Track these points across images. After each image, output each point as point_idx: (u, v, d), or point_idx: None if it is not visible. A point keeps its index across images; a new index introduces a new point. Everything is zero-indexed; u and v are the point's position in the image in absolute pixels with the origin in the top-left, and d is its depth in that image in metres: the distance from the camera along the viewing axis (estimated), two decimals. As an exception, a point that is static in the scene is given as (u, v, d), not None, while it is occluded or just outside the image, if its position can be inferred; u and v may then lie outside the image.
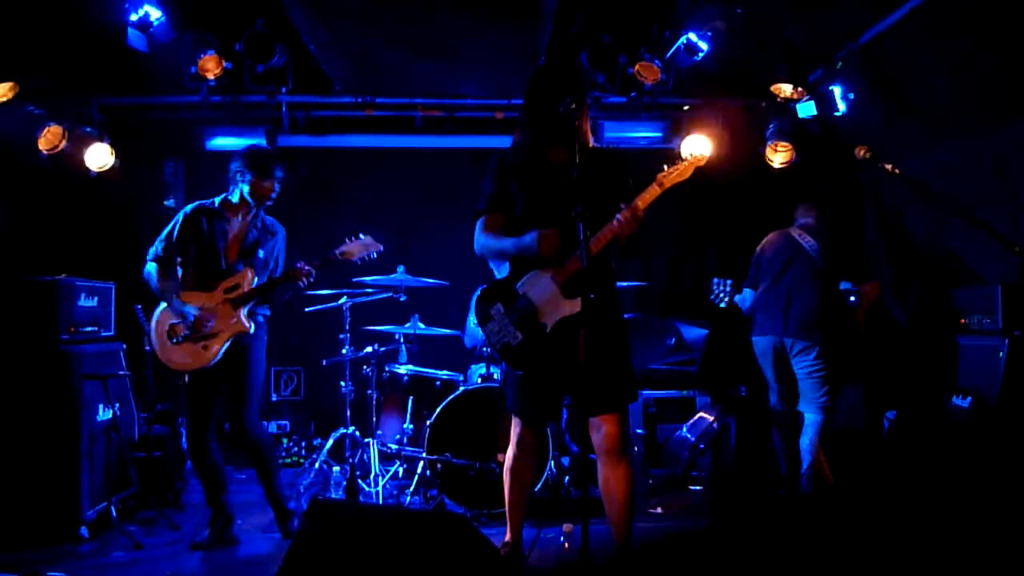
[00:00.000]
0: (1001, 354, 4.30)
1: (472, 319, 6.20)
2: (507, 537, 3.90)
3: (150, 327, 4.51)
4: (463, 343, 6.06)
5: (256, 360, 4.55)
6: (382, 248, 4.58)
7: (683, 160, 3.49)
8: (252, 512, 5.01)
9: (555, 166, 3.55)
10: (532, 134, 3.65)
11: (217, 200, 4.59)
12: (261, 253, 4.58)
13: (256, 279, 4.49)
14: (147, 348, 5.05)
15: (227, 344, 4.39)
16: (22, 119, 5.54)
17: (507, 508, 3.91)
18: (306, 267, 4.43)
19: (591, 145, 3.72)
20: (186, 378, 4.48)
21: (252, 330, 4.45)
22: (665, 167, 3.50)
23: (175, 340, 4.39)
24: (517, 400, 3.72)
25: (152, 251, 4.54)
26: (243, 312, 4.43)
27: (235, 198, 4.55)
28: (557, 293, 3.52)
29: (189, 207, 4.59)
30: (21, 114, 5.52)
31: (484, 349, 5.32)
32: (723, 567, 3.98)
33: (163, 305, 4.48)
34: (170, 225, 4.57)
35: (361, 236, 4.61)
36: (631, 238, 3.42)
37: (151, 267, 4.52)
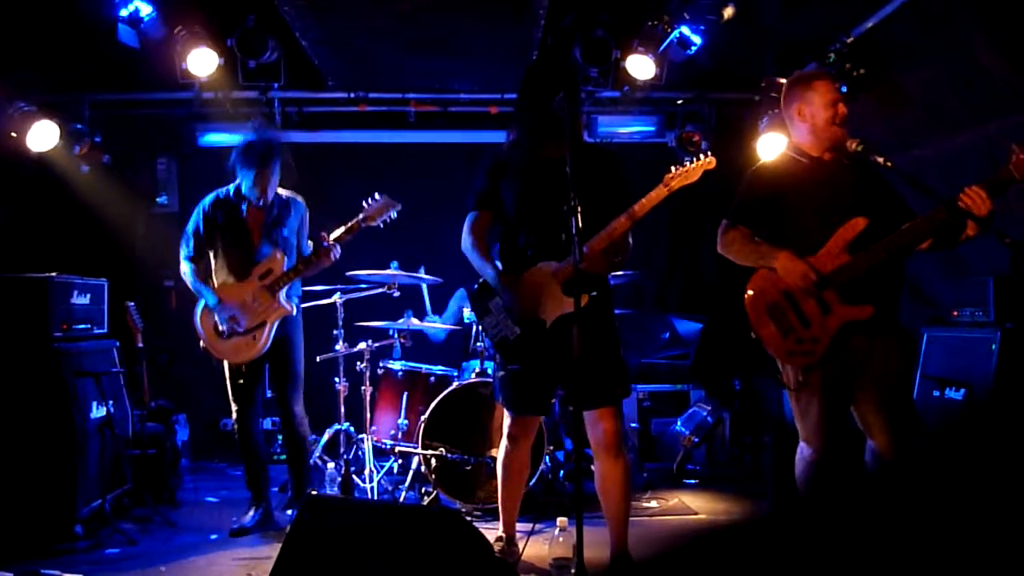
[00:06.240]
0: (994, 346, 4.29)
1: (450, 311, 6.24)
2: (501, 531, 3.92)
3: (196, 324, 4.57)
4: (456, 336, 6.07)
5: (297, 347, 4.66)
6: (400, 206, 4.54)
7: (691, 163, 3.50)
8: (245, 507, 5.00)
9: (549, 162, 3.56)
10: (526, 131, 3.66)
11: (231, 188, 4.61)
12: (285, 231, 4.58)
13: (287, 260, 4.52)
14: (139, 345, 5.03)
15: (274, 330, 4.46)
16: (12, 116, 5.50)
17: (500, 502, 3.93)
18: (329, 242, 4.43)
19: (584, 141, 3.73)
20: (242, 367, 4.56)
21: (295, 311, 4.56)
22: (672, 168, 3.49)
23: (224, 336, 4.47)
24: (508, 393, 3.73)
25: (183, 251, 4.59)
26: (282, 296, 4.47)
27: (244, 188, 4.55)
28: (557, 290, 3.52)
29: (207, 199, 4.62)
30: (11, 111, 5.48)
31: (478, 344, 5.33)
32: (718, 561, 3.99)
33: (202, 302, 4.54)
34: (192, 221, 4.60)
35: (378, 196, 4.54)
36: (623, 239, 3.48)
37: (186, 266, 4.57)
